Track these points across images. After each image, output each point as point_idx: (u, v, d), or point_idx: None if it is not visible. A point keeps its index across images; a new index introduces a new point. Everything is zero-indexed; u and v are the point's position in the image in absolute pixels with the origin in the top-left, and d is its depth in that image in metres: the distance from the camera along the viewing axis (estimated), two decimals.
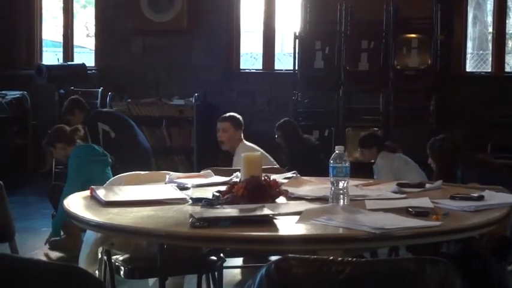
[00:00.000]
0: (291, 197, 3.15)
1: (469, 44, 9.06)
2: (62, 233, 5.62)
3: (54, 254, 5.56)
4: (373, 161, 6.47)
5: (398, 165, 6.16)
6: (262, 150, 5.50)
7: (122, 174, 3.86)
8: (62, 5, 9.64)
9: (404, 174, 5.92)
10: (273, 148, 6.49)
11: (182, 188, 3.42)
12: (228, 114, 5.80)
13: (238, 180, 3.23)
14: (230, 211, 2.80)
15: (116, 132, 6.72)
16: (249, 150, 5.32)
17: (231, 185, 3.10)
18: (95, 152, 5.51)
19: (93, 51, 9.56)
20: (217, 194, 3.07)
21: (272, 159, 5.58)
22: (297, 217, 2.71)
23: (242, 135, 5.69)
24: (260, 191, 3.00)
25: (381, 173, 6.18)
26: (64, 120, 6.92)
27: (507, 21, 8.63)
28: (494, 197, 3.12)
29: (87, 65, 8.84)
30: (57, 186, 6.23)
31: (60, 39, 9.75)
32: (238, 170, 3.36)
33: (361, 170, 5.96)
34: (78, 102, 6.86)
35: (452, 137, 5.42)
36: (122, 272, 3.54)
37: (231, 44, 8.90)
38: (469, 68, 8.85)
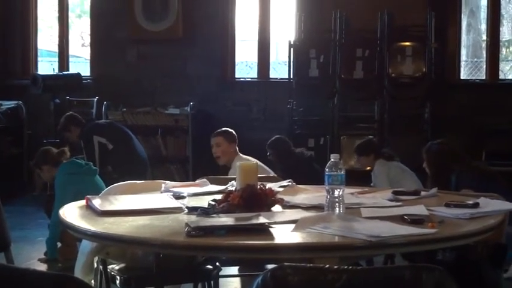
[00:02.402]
0: (287, 206, 3.15)
1: (463, 52, 9.09)
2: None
3: (50, 264, 5.55)
4: (369, 168, 6.47)
5: (395, 173, 6.16)
6: (259, 162, 5.50)
7: (117, 184, 3.86)
8: (57, 14, 9.64)
9: (400, 182, 5.92)
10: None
11: (178, 197, 3.42)
12: (220, 129, 5.79)
13: (233, 188, 3.23)
14: (226, 220, 2.80)
15: (113, 144, 6.74)
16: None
17: (227, 194, 3.11)
18: (77, 166, 5.56)
19: (89, 61, 9.55)
20: (213, 202, 3.08)
21: (269, 169, 5.58)
22: (292, 225, 2.72)
23: (237, 148, 5.68)
24: (256, 199, 3.00)
25: (377, 180, 6.18)
26: (62, 137, 6.97)
27: (501, 28, 8.66)
28: (489, 204, 3.13)
29: (82, 74, 8.84)
30: (52, 196, 6.23)
31: (56, 48, 9.75)
32: (234, 179, 3.37)
33: (357, 178, 5.97)
34: (73, 118, 6.88)
35: (449, 143, 5.41)
36: (117, 282, 3.54)
37: (226, 52, 8.91)
38: (463, 75, 8.87)
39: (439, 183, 4.61)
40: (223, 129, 5.78)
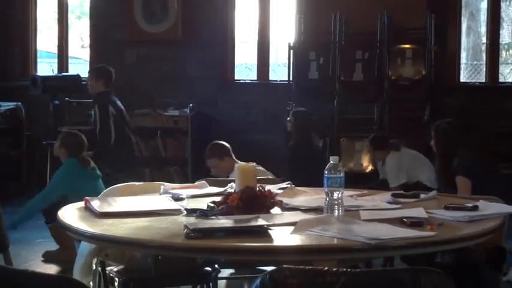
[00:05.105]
0: (286, 208, 3.15)
1: (463, 55, 9.09)
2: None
3: (48, 265, 5.55)
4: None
5: (407, 161, 6.29)
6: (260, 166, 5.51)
7: (116, 185, 3.86)
8: (56, 16, 9.65)
9: (414, 170, 6.08)
10: (267, 158, 6.49)
11: (177, 198, 3.42)
12: (209, 146, 5.62)
13: (232, 190, 3.23)
14: (225, 222, 2.80)
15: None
16: None
17: (226, 196, 3.10)
18: (82, 168, 5.60)
19: (88, 62, 9.55)
20: (212, 204, 3.07)
21: (268, 172, 5.57)
22: (291, 228, 2.71)
23: (233, 156, 5.51)
24: (255, 201, 3.00)
25: (392, 173, 6.28)
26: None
27: (501, 31, 8.66)
28: (489, 207, 3.13)
29: (82, 75, 8.82)
30: None
31: (55, 50, 9.75)
32: (233, 181, 3.37)
33: (356, 181, 5.97)
34: (103, 73, 6.96)
35: (457, 122, 5.40)
36: (116, 283, 3.53)
37: (225, 54, 8.91)
38: (463, 78, 8.87)
39: (446, 163, 4.68)
40: (213, 145, 5.61)
